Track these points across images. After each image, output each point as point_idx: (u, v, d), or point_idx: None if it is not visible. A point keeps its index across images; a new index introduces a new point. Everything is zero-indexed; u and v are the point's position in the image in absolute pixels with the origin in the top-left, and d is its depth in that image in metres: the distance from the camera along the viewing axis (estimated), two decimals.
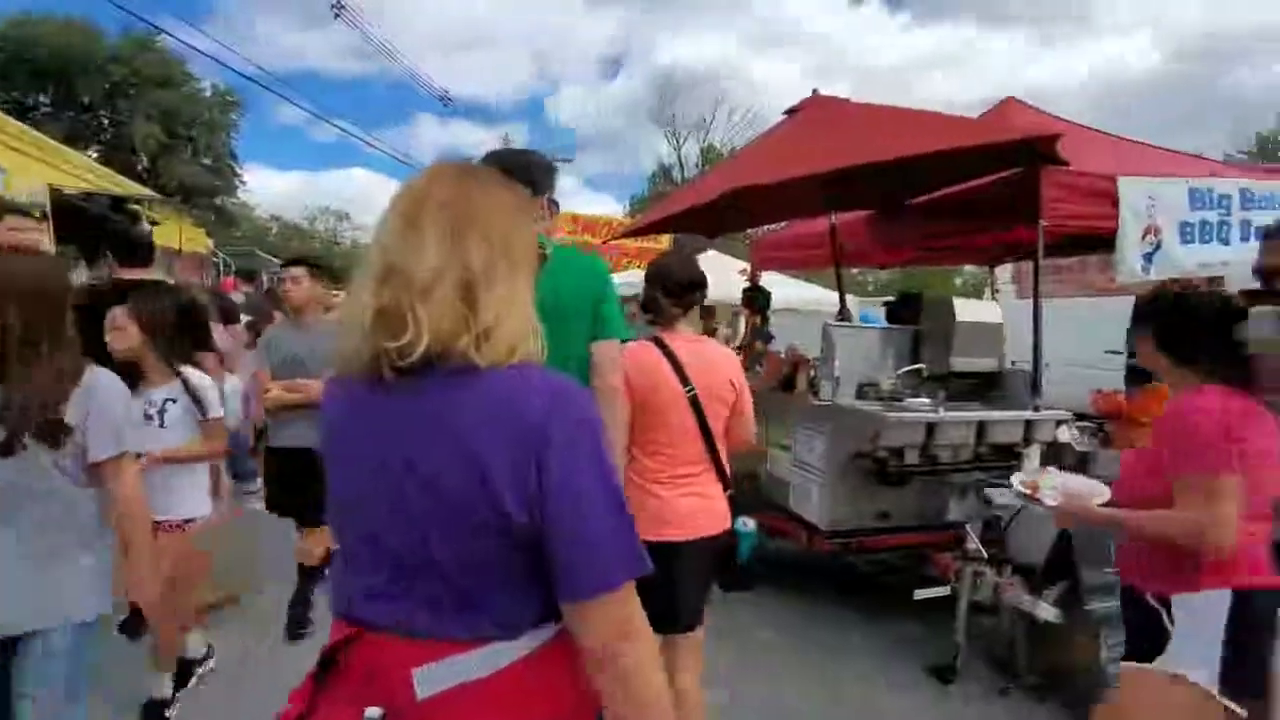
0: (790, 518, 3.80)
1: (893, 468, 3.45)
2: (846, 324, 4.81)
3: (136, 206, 7.24)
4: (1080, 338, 6.41)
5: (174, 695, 2.66)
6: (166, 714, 2.61)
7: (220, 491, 3.36)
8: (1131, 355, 1.86)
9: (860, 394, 3.82)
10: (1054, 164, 3.40)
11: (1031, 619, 2.91)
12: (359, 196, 51.76)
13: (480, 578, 0.88)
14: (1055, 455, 3.55)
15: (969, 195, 4.16)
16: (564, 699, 0.93)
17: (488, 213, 0.93)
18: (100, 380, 1.70)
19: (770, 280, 7.85)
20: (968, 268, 20.38)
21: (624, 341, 2.00)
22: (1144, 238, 3.75)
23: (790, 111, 4.44)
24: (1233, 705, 1.61)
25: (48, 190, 4.50)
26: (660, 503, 2.11)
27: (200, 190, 24.92)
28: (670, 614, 2.04)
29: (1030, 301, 3.83)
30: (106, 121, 24.30)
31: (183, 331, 2.62)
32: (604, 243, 10.56)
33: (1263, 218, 3.89)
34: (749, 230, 10.01)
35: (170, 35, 18.31)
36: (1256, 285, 2.65)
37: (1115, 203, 3.62)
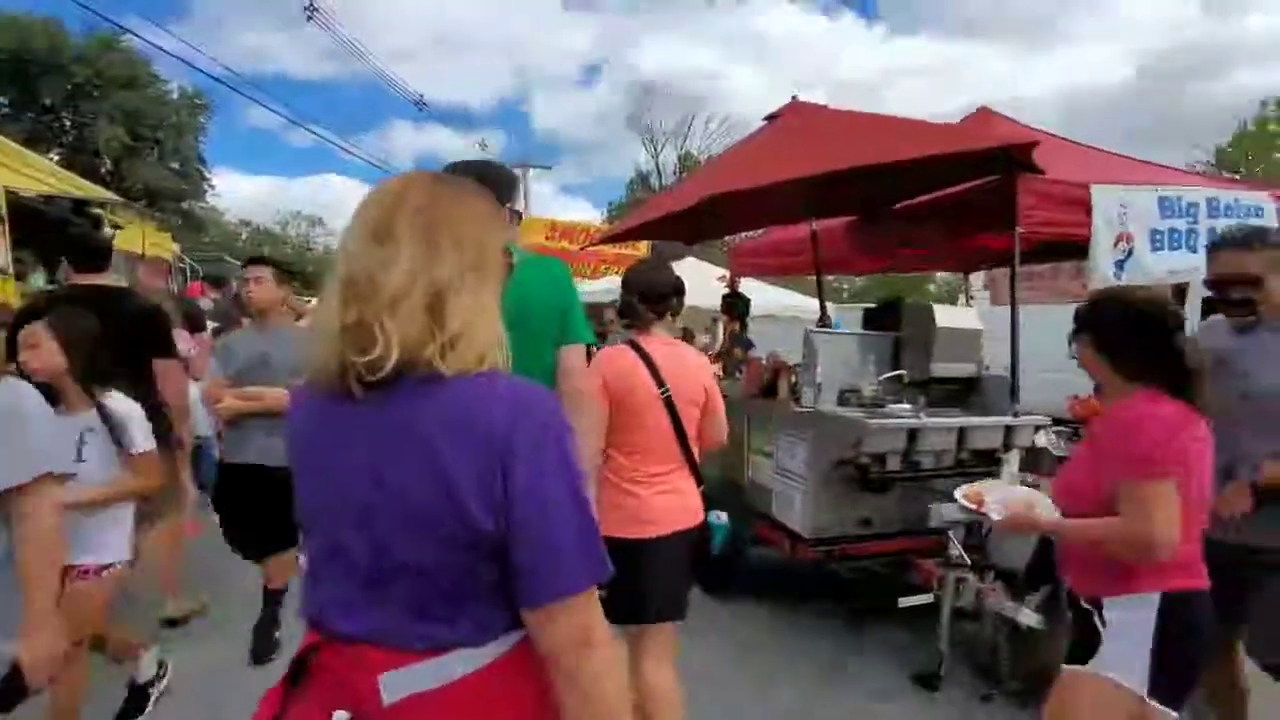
0: (773, 525, 3.78)
1: (875, 474, 3.44)
2: (828, 330, 4.82)
3: (98, 210, 7.05)
4: (1056, 343, 6.49)
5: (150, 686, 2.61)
6: (150, 692, 2.57)
7: (183, 501, 3.25)
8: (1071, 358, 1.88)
9: (842, 400, 3.82)
10: (1030, 172, 3.45)
11: (1014, 625, 2.91)
12: (333, 202, 51.09)
13: (448, 587, 0.89)
14: (1034, 460, 3.58)
15: (946, 202, 4.21)
16: (529, 705, 0.94)
17: (459, 221, 0.94)
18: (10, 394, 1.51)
19: (748, 286, 7.87)
20: (940, 274, 20.72)
21: (589, 346, 2.07)
22: (1116, 245, 3.82)
23: (770, 118, 4.45)
24: (1163, 709, 1.61)
25: (3, 193, 4.34)
26: (638, 501, 2.20)
27: (166, 194, 24.36)
28: (646, 604, 2.16)
29: (1003, 308, 3.88)
30: (69, 123, 23.69)
31: (116, 349, 2.36)
32: (582, 249, 10.51)
33: (1228, 225, 3.99)
34: (726, 237, 10.06)
35: (136, 35, 17.86)
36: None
37: (1088, 210, 3.68)
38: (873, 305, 4.86)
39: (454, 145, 56.46)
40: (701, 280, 9.12)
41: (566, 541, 0.87)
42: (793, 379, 3.90)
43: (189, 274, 11.01)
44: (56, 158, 18.22)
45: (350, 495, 0.91)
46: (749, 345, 6.65)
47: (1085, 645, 1.70)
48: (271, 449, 2.90)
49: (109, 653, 2.59)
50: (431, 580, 0.89)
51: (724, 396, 2.47)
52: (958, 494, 2.20)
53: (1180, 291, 4.48)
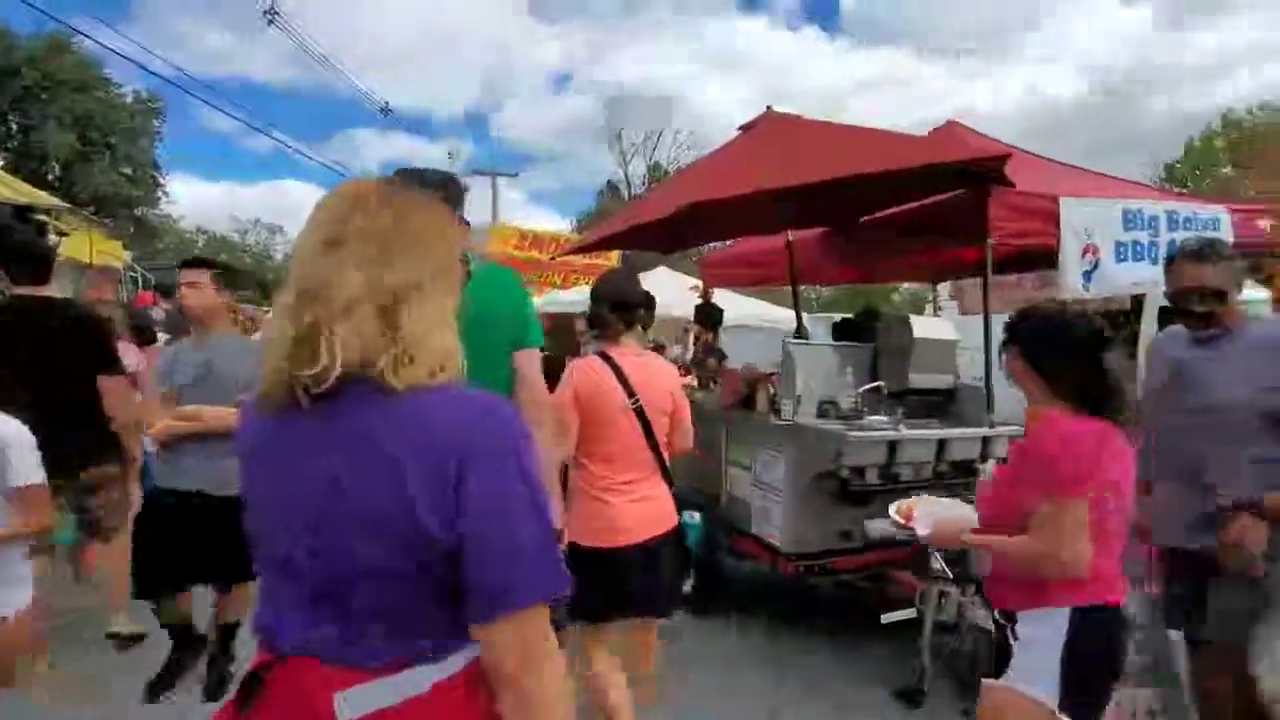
0: (752, 539, 3.72)
1: (855, 487, 3.42)
2: (806, 341, 4.80)
3: (43, 217, 6.72)
4: None
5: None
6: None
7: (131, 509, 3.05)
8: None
9: (821, 412, 3.79)
10: (1001, 185, 3.48)
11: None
12: (293, 209, 50.02)
13: (404, 602, 0.88)
14: None
15: (918, 214, 4.23)
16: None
17: (416, 231, 0.92)
18: None
19: (719, 296, 7.86)
20: (905, 285, 21.10)
21: (542, 350, 2.09)
22: (1084, 256, 3.88)
23: (745, 127, 4.43)
24: None
25: None
26: (612, 510, 2.24)
27: (117, 200, 23.48)
28: (621, 606, 2.24)
29: (971, 317, 3.90)
30: (15, 127, 22.74)
31: (55, 364, 2.17)
32: (553, 259, 10.40)
33: (1186, 238, 4.09)
34: (695, 248, 10.05)
35: (88, 37, 17.25)
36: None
37: (1057, 222, 3.73)
38: (845, 316, 4.86)
39: (420, 153, 55.90)
40: (675, 290, 9.10)
41: (524, 553, 0.86)
42: (771, 390, 3.86)
43: (141, 283, 10.57)
44: (1, 163, 17.47)
45: (303, 510, 0.89)
46: (722, 356, 6.62)
47: (1001, 659, 1.72)
48: (212, 472, 2.57)
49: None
50: (388, 594, 0.87)
51: (700, 408, 2.46)
52: (891, 509, 2.28)
53: (1138, 302, 4.59)
